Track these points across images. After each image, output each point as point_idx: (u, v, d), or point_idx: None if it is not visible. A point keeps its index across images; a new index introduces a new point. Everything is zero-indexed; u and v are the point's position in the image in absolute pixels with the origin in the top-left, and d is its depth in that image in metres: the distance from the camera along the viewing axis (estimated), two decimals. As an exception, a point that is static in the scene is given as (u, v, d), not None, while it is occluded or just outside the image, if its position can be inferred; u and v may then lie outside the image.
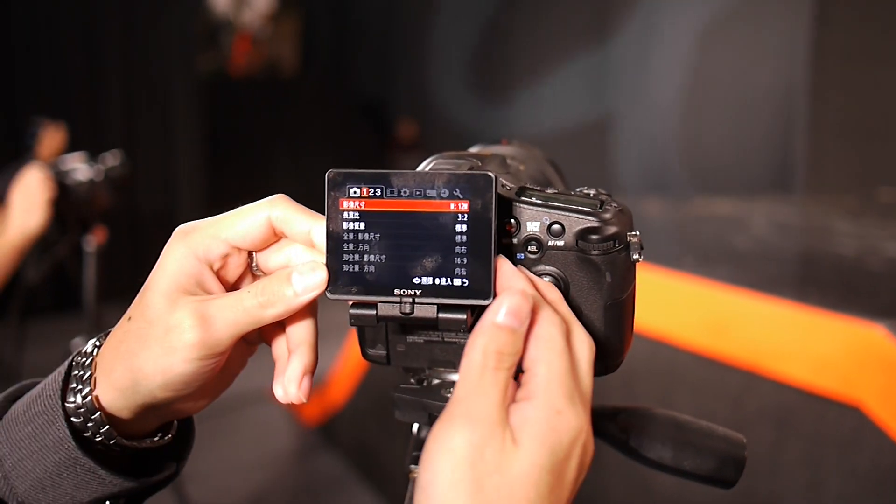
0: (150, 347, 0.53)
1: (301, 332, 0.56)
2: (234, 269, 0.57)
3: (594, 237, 0.53)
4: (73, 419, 0.54)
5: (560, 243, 0.54)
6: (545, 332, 0.49)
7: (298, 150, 8.46)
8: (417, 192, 0.52)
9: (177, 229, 0.55)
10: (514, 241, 0.55)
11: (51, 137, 3.22)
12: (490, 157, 0.60)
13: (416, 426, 0.65)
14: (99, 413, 0.54)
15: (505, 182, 0.57)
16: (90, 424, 0.54)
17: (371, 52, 9.33)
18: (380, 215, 0.52)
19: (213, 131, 7.89)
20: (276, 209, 0.55)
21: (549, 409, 0.47)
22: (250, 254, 0.57)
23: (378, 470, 3.21)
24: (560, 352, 0.49)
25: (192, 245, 0.54)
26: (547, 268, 0.55)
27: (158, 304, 0.53)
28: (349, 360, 3.48)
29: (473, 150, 0.69)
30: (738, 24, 5.58)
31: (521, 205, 0.55)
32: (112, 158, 2.26)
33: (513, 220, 0.55)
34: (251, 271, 0.58)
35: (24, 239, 1.88)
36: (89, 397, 0.54)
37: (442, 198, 0.51)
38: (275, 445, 3.88)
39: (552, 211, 0.54)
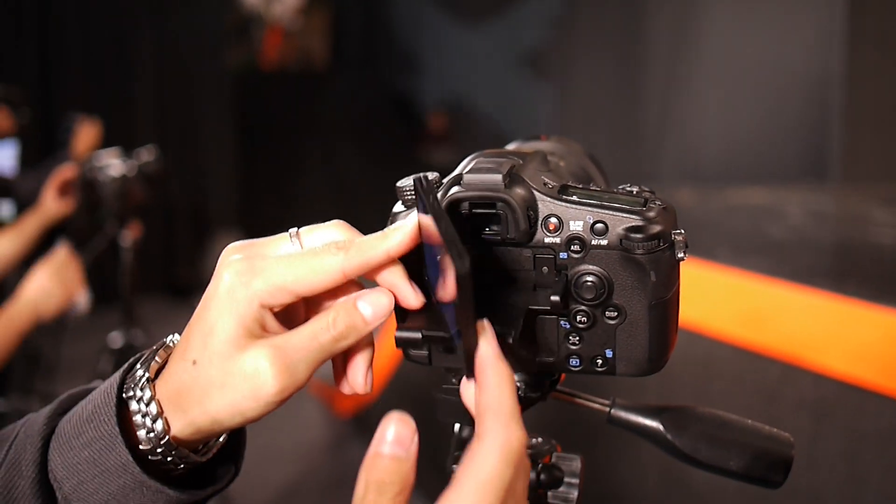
0: (228, 394, 0.52)
1: (362, 357, 0.57)
2: (291, 308, 0.56)
3: (638, 236, 0.53)
4: (140, 446, 0.55)
5: (604, 242, 0.54)
6: (480, 453, 0.46)
7: (329, 142, 8.47)
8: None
9: (235, 266, 0.54)
10: (557, 240, 0.54)
11: (85, 133, 3.24)
12: (531, 154, 0.59)
13: (457, 426, 0.65)
14: (169, 438, 0.55)
15: (547, 180, 0.56)
16: (159, 450, 0.55)
17: (401, 45, 9.33)
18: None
19: (245, 125, 7.92)
20: (351, 263, 0.53)
21: None
22: None
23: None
24: (484, 484, 0.44)
25: (257, 292, 0.53)
26: (590, 267, 0.54)
27: (228, 351, 0.52)
28: (382, 352, 3.49)
29: (512, 146, 0.69)
30: (773, 11, 5.52)
31: (564, 203, 0.54)
32: (146, 154, 2.28)
33: (555, 219, 0.54)
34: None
35: (32, 321, 1.79)
36: (164, 435, 0.54)
37: None
38: (309, 437, 3.90)
39: (595, 209, 0.54)
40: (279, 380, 0.51)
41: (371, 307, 0.53)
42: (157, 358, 0.57)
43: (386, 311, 0.53)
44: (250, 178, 7.95)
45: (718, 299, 2.18)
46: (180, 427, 0.54)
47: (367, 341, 0.56)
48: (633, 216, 0.53)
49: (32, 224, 2.14)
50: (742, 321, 2.08)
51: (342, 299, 0.54)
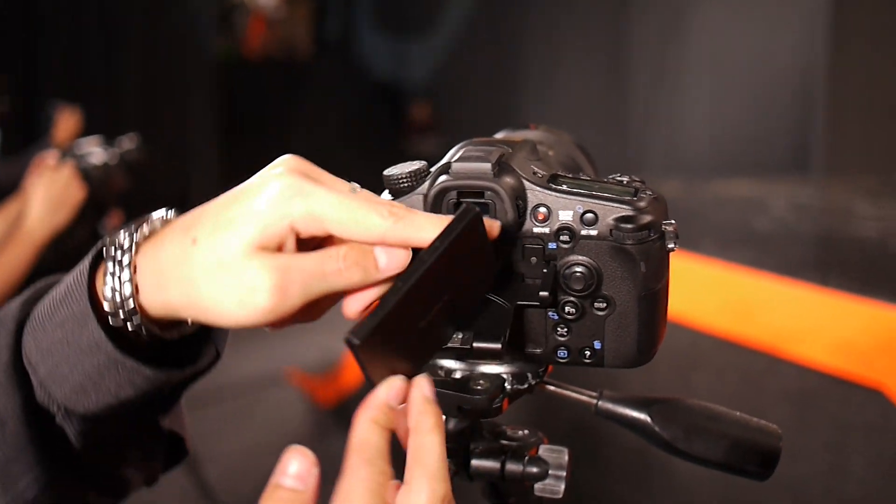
0: (216, 289, 0.50)
1: (372, 293, 0.53)
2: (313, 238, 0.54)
3: (629, 226, 0.52)
4: (109, 317, 0.52)
5: (593, 232, 0.53)
6: (350, 491, 0.48)
7: (313, 131, 8.45)
8: None
9: (286, 178, 0.51)
10: (546, 230, 0.54)
11: (66, 121, 3.21)
12: (521, 143, 0.58)
13: (443, 418, 0.64)
14: (139, 315, 0.52)
15: (536, 169, 0.56)
16: (128, 324, 0.52)
17: (385, 34, 9.30)
18: None
19: (229, 113, 7.89)
20: (394, 231, 0.51)
21: None
22: None
23: (396, 457, 3.20)
24: None
25: (294, 213, 0.50)
26: (579, 257, 0.54)
27: (236, 249, 0.50)
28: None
29: (500, 135, 0.68)
30: (759, 5, 5.53)
31: (554, 193, 0.54)
32: (129, 142, 2.26)
33: (544, 209, 0.54)
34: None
35: (46, 235, 1.85)
36: (131, 300, 0.52)
37: None
38: (290, 428, 3.89)
39: (585, 199, 0.53)
40: (272, 296, 0.49)
41: (387, 256, 0.51)
42: (146, 227, 0.54)
43: (400, 264, 0.51)
44: (234, 167, 7.91)
45: (703, 291, 2.18)
46: (154, 303, 0.52)
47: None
48: (624, 206, 0.52)
49: (13, 212, 2.14)
50: (726, 313, 2.08)
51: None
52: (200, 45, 7.31)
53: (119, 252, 0.53)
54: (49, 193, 1.86)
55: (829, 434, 1.79)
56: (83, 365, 0.52)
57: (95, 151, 2.11)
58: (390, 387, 0.50)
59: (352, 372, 3.60)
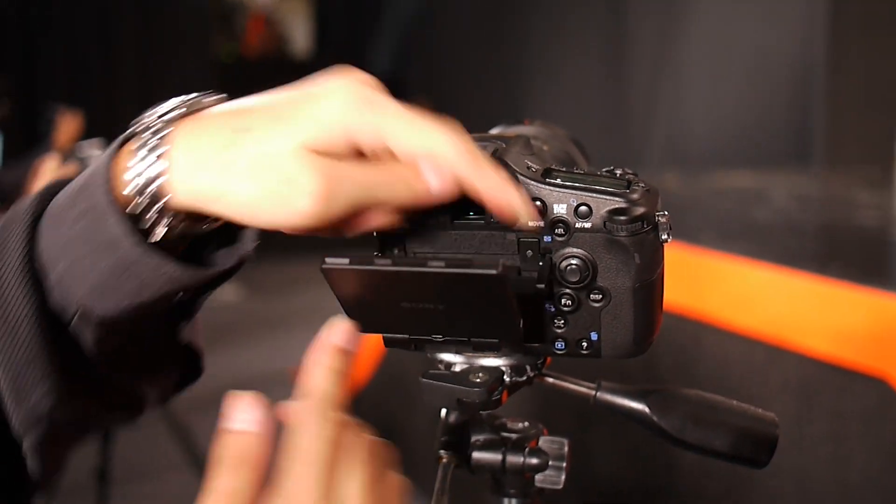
0: (255, 185, 0.47)
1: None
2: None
3: (622, 218, 0.53)
4: (131, 203, 0.48)
5: (587, 225, 0.54)
6: (302, 442, 0.43)
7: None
8: None
9: (360, 90, 0.49)
10: (541, 223, 0.54)
11: (67, 124, 3.22)
12: (514, 137, 0.59)
13: (444, 411, 0.65)
14: (161, 203, 0.48)
15: (530, 163, 0.56)
16: (150, 212, 0.49)
17: (385, 31, 9.30)
18: None
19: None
20: (460, 163, 0.49)
21: None
22: None
23: (400, 450, 3.21)
24: (304, 463, 0.42)
25: (357, 122, 0.48)
26: (574, 250, 0.55)
27: (292, 148, 0.47)
28: (368, 339, 3.48)
29: (495, 131, 0.69)
30: (755, -5, 5.53)
31: (548, 186, 0.54)
32: (129, 144, 2.26)
33: (538, 202, 0.54)
34: None
35: None
36: (157, 183, 0.48)
37: None
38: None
39: (579, 192, 0.54)
40: (316, 202, 0.47)
41: (440, 180, 0.49)
42: (184, 106, 0.51)
43: (451, 194, 0.49)
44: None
45: (704, 282, 2.19)
46: (183, 190, 0.48)
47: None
48: (617, 198, 0.53)
49: None
50: (728, 304, 2.09)
51: (420, 161, 0.50)
52: (200, 45, 7.31)
53: (149, 133, 0.50)
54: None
55: (832, 423, 1.79)
56: (102, 262, 0.48)
57: (95, 154, 2.11)
58: (332, 328, 0.46)
59: (356, 371, 3.61)
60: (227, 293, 6.74)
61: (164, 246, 0.50)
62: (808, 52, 5.14)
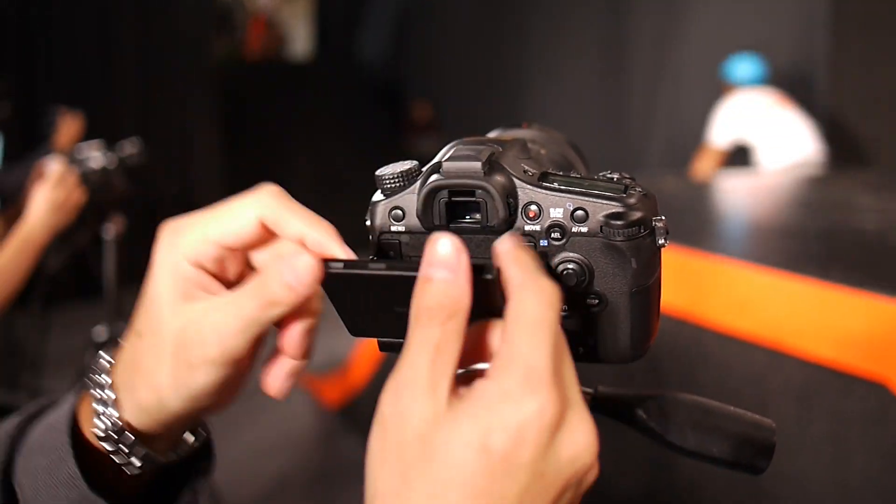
0: (167, 363, 0.50)
1: (302, 323, 0.51)
2: (232, 268, 0.53)
3: (619, 223, 0.52)
4: (104, 443, 0.53)
5: (584, 229, 0.53)
6: (518, 303, 0.43)
7: (313, 132, 8.46)
8: None
9: (162, 230, 0.52)
10: (537, 227, 0.54)
11: (67, 126, 3.23)
12: (511, 141, 0.59)
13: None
14: (128, 433, 0.53)
15: (527, 167, 0.56)
16: (123, 447, 0.53)
17: (385, 34, 9.30)
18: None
19: (229, 116, 7.90)
20: (267, 208, 0.51)
21: (499, 390, 0.41)
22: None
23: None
24: (530, 325, 0.42)
25: (182, 249, 0.51)
26: (570, 255, 0.54)
27: (165, 316, 0.50)
28: (369, 343, 3.48)
29: (493, 134, 0.68)
30: (757, -2, 5.53)
31: (544, 190, 0.54)
32: (130, 146, 2.26)
33: (535, 206, 0.54)
34: (250, 267, 0.55)
35: (46, 236, 1.87)
36: (118, 420, 0.52)
37: None
38: (296, 429, 3.90)
39: (576, 196, 0.53)
40: (209, 347, 0.49)
41: (295, 273, 0.47)
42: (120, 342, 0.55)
43: (310, 274, 0.47)
44: (235, 170, 7.92)
45: (704, 286, 2.19)
46: (132, 414, 0.52)
47: (300, 345, 0.52)
48: (614, 203, 0.53)
49: (16, 217, 2.15)
50: (728, 308, 2.09)
51: (272, 265, 0.50)
52: (200, 47, 7.31)
53: (98, 374, 0.54)
54: (51, 196, 1.88)
55: (832, 427, 1.79)
56: (59, 497, 0.53)
57: (95, 156, 2.11)
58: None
59: (358, 373, 3.61)
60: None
61: (136, 479, 0.54)
62: (809, 54, 5.14)
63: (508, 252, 0.45)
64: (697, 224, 2.89)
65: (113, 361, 0.54)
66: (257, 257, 0.54)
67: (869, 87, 5.06)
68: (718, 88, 5.26)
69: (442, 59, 8.71)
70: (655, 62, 6.37)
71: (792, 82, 5.21)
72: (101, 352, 0.55)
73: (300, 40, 9.22)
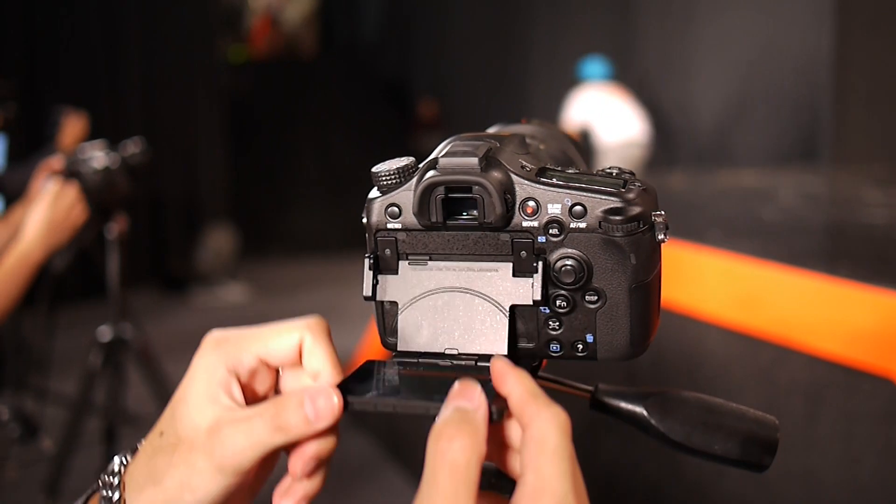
0: (177, 466, 0.51)
1: (313, 449, 0.52)
2: (261, 385, 0.55)
3: (617, 218, 0.51)
4: None
5: (582, 225, 0.53)
6: (538, 431, 0.46)
7: (320, 131, 8.46)
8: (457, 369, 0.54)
9: (209, 337, 0.54)
10: (535, 223, 0.53)
11: (72, 126, 3.22)
12: (509, 137, 0.58)
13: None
14: None
15: (524, 163, 0.55)
16: None
17: (391, 33, 9.30)
18: (415, 367, 0.55)
19: (235, 115, 7.90)
20: (309, 335, 0.54)
21: None
22: (279, 371, 0.56)
23: (408, 451, 3.21)
24: (552, 454, 0.45)
25: (223, 354, 0.53)
26: (569, 251, 0.53)
27: (188, 417, 0.51)
28: (376, 340, 3.48)
29: (492, 130, 0.68)
30: (763, -7, 5.51)
31: (542, 186, 0.53)
32: (132, 146, 2.26)
33: (532, 202, 0.53)
34: (276, 389, 0.56)
35: (43, 256, 1.80)
36: None
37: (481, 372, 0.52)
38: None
39: (574, 192, 0.53)
40: (213, 458, 0.50)
41: (316, 409, 0.50)
42: (139, 442, 0.55)
43: (330, 416, 0.50)
44: (241, 169, 7.93)
45: (710, 283, 2.17)
46: None
47: (317, 474, 0.53)
48: (612, 198, 0.52)
49: (15, 222, 2.14)
50: (734, 304, 2.07)
51: (294, 392, 0.52)
52: (207, 47, 7.32)
53: (111, 476, 0.54)
54: (50, 215, 1.82)
55: (840, 424, 1.77)
56: None
57: (97, 155, 2.10)
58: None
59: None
60: (233, 294, 6.75)
61: None
62: (815, 49, 5.12)
63: (513, 379, 0.48)
64: (702, 219, 2.88)
65: (127, 461, 0.55)
66: (285, 378, 0.56)
67: (875, 81, 5.03)
68: (724, 85, 5.24)
69: (448, 57, 8.70)
70: (660, 57, 6.36)
71: (798, 78, 5.19)
72: (116, 455, 0.56)
73: (306, 39, 9.22)
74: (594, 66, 6.39)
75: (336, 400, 0.50)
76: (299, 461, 0.51)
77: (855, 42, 4.99)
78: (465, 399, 0.46)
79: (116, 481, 0.54)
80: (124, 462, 0.55)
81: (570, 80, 7.12)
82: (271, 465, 0.56)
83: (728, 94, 5.76)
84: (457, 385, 0.47)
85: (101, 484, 0.54)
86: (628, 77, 6.58)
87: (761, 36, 5.48)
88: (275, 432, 0.50)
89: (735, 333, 2.02)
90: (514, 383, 0.48)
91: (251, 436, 0.50)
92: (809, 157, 5.10)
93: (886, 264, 2.21)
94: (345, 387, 0.51)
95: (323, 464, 0.53)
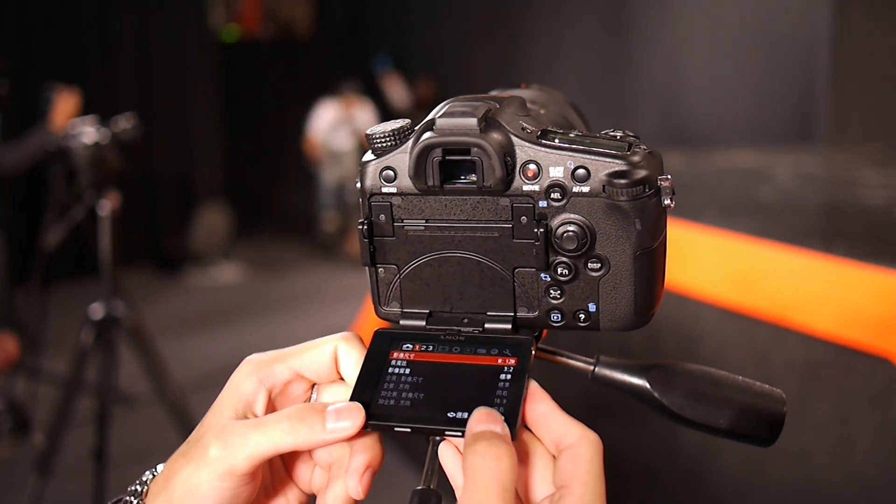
0: (184, 467, 0.51)
1: (362, 461, 0.52)
2: (293, 398, 0.55)
3: (622, 181, 0.49)
4: None
5: (585, 189, 0.50)
6: (585, 451, 0.49)
7: (313, 108, 8.43)
8: (468, 350, 0.53)
9: (246, 360, 0.55)
10: (536, 187, 0.51)
11: (65, 102, 3.20)
12: (509, 98, 0.56)
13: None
14: None
15: (525, 125, 0.53)
16: None
17: (387, 11, 9.24)
18: (428, 365, 0.53)
19: (229, 93, 7.86)
20: (343, 343, 0.55)
21: None
22: (313, 387, 0.56)
23: (414, 444, 3.19)
24: (598, 474, 0.48)
25: (258, 369, 0.54)
26: (571, 216, 0.51)
27: (206, 423, 0.53)
28: (370, 318, 3.46)
29: (492, 94, 0.66)
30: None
31: (543, 148, 0.51)
32: (124, 121, 2.24)
33: (533, 165, 0.51)
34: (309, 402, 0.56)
35: None
36: None
37: (491, 355, 0.52)
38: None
39: (577, 154, 0.50)
40: (213, 449, 0.50)
41: (338, 422, 0.50)
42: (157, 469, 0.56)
43: (350, 430, 0.50)
44: (235, 148, 7.90)
45: (707, 262, 2.16)
46: None
47: (373, 450, 0.52)
48: (617, 161, 0.50)
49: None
50: (731, 283, 2.06)
51: (317, 402, 0.53)
52: (199, 24, 7.28)
53: (139, 485, 0.55)
54: None
55: (836, 403, 1.77)
56: None
57: (87, 131, 2.08)
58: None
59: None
60: (228, 274, 6.73)
61: None
62: (813, 29, 5.10)
63: (543, 404, 0.52)
64: (699, 199, 2.87)
65: (157, 472, 0.55)
66: (321, 395, 0.57)
67: (872, 62, 5.01)
68: (720, 64, 5.22)
69: (445, 36, 8.66)
70: (656, 37, 6.33)
71: (795, 58, 5.17)
72: (147, 471, 0.56)
73: (300, 17, 9.17)
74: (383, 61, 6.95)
75: (358, 422, 0.50)
76: (354, 476, 0.52)
77: (853, 22, 4.96)
78: (493, 423, 0.47)
79: (141, 489, 0.54)
80: (154, 472, 0.55)
81: (570, 59, 7.09)
82: (274, 493, 0.56)
83: (725, 73, 5.73)
84: (480, 412, 0.48)
85: (129, 492, 0.55)
86: (624, 57, 6.55)
87: (759, 15, 5.45)
88: (286, 433, 0.50)
89: (731, 312, 2.01)
90: (542, 399, 0.51)
91: (259, 434, 0.50)
92: (806, 138, 5.09)
93: (883, 243, 2.20)
94: (361, 393, 0.52)
95: (373, 475, 0.53)
